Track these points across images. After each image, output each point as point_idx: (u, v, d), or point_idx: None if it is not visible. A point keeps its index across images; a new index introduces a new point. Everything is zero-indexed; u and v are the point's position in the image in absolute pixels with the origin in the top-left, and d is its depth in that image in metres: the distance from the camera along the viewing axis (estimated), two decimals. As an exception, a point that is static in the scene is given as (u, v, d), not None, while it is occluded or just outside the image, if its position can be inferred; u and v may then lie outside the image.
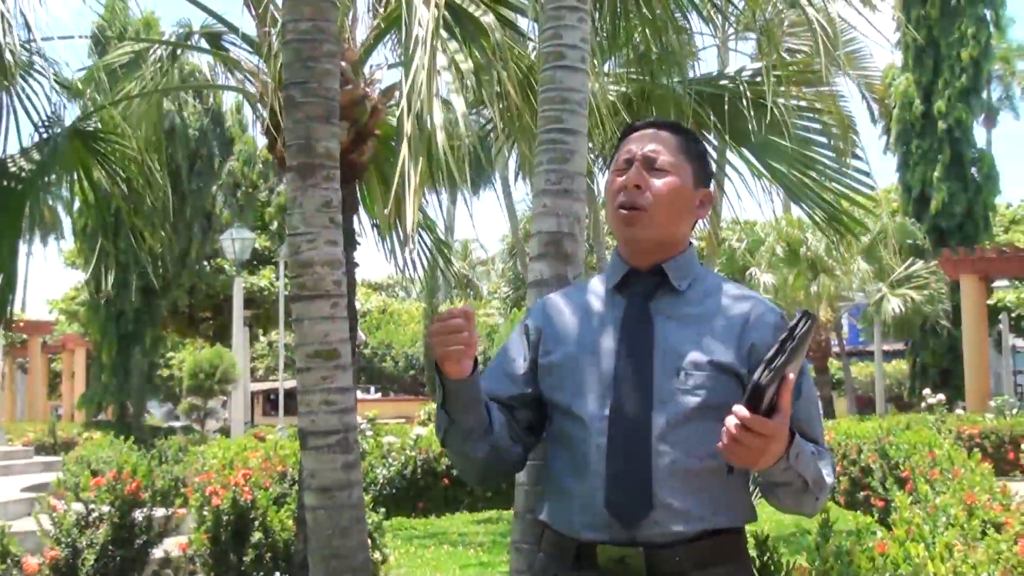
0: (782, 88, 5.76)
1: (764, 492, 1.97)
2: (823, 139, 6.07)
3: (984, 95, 26.65)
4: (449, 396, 1.98)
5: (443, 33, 4.90)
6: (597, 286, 2.16)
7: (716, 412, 1.90)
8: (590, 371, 2.00)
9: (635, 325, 2.02)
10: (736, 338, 1.99)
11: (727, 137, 5.96)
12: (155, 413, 33.70)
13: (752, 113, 5.70)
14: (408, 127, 3.72)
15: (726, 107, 5.75)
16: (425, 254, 7.35)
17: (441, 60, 4.69)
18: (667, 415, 1.92)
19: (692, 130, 2.20)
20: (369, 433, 12.57)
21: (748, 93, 5.81)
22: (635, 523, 1.89)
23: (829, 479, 1.95)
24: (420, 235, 7.16)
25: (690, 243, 2.14)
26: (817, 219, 6.14)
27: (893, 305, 22.94)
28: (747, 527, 2.05)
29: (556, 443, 2.06)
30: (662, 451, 1.91)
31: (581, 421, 1.98)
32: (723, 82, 6.26)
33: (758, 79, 6.00)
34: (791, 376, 1.69)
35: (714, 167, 6.40)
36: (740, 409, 1.69)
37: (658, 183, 2.04)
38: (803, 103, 6.00)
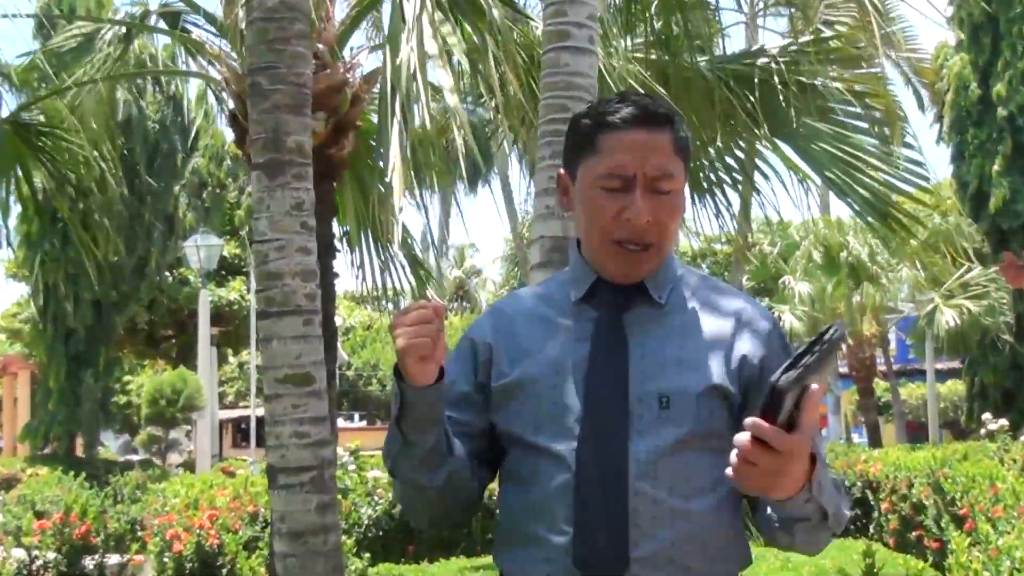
0: (821, 67, 5.74)
1: (769, 530, 1.89)
2: (867, 126, 6.04)
3: (1050, 77, 26.58)
4: (407, 409, 1.88)
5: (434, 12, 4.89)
6: (555, 293, 2.06)
7: (704, 442, 1.87)
8: (554, 396, 1.92)
9: (608, 342, 1.94)
10: (724, 351, 1.93)
11: (758, 125, 5.93)
12: (110, 445, 33.61)
13: (787, 96, 5.66)
14: (389, 112, 3.70)
15: (756, 91, 5.72)
16: (404, 269, 7.32)
17: (431, 45, 4.67)
18: (647, 448, 1.85)
19: (677, 112, 2.04)
20: (352, 467, 12.51)
21: (784, 71, 5.78)
22: None
23: (847, 509, 1.88)
24: (401, 247, 7.12)
25: None
26: (865, 215, 6.08)
27: (947, 317, 22.87)
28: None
29: (514, 481, 1.98)
30: (642, 491, 1.83)
31: (545, 456, 1.90)
32: (752, 60, 6.22)
33: (791, 55, 5.98)
34: (815, 387, 1.59)
35: (743, 159, 6.38)
36: (755, 420, 1.58)
37: (666, 213, 1.94)
38: (845, 86, 5.98)
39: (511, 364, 1.99)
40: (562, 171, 2.08)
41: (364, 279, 6.89)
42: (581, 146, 1.99)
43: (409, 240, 7.31)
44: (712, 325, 1.96)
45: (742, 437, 1.60)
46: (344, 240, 7.01)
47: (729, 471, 1.64)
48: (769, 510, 1.83)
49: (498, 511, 2.07)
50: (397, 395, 1.89)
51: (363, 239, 6.87)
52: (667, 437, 1.85)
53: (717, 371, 1.91)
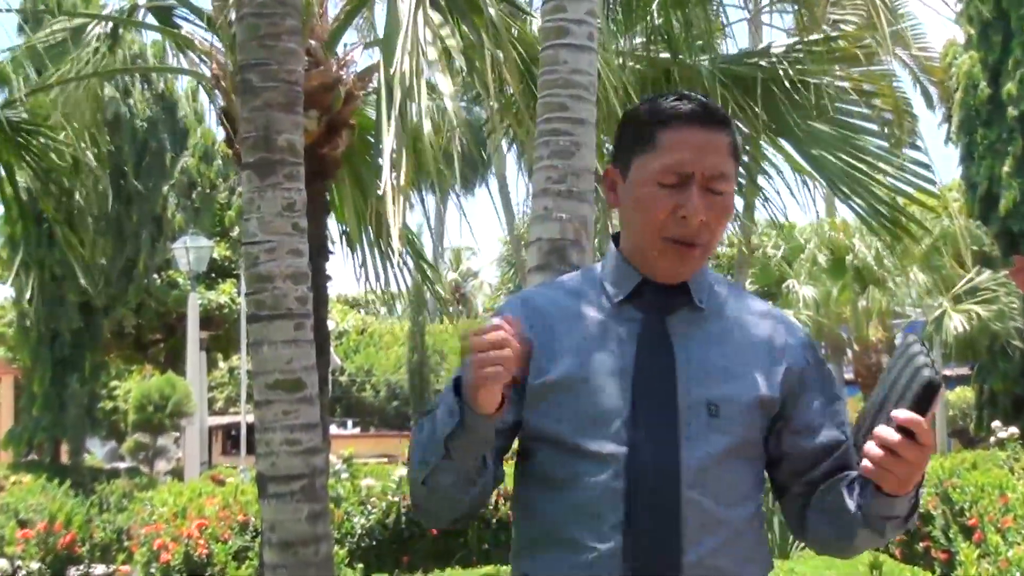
0: (826, 66, 5.74)
1: (840, 530, 1.96)
2: (874, 126, 6.04)
3: (1062, 77, 26.55)
4: (463, 432, 1.85)
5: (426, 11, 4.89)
6: (589, 290, 2.07)
7: (744, 451, 1.94)
8: (599, 398, 1.93)
9: (654, 345, 1.96)
10: (766, 362, 1.99)
11: (762, 126, 5.94)
12: (96, 452, 33.60)
13: (791, 97, 5.67)
14: (387, 115, 3.70)
15: (759, 91, 5.72)
16: (407, 269, 7.31)
17: (428, 48, 4.67)
18: (698, 455, 1.89)
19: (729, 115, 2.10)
20: (345, 475, 12.51)
21: (789, 72, 5.78)
22: None
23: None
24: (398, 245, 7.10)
25: None
26: (869, 220, 6.09)
27: (956, 322, 22.83)
28: None
29: (546, 483, 1.97)
30: (692, 499, 1.87)
31: (587, 458, 1.91)
32: (756, 60, 6.23)
33: (795, 55, 5.99)
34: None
35: (746, 160, 6.39)
36: (913, 415, 1.70)
37: (718, 214, 1.97)
38: (850, 84, 5.98)
39: (551, 361, 1.99)
40: (611, 167, 2.09)
41: (367, 278, 6.87)
42: (636, 141, 2.01)
43: (411, 236, 7.30)
44: (751, 334, 2.01)
45: (886, 432, 1.71)
46: (344, 238, 7.00)
47: (867, 463, 1.74)
48: (857, 509, 1.90)
49: (515, 514, 2.08)
50: (455, 414, 1.85)
51: (363, 237, 6.86)
52: (716, 445, 1.90)
53: (762, 382, 1.96)
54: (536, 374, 1.99)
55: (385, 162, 3.73)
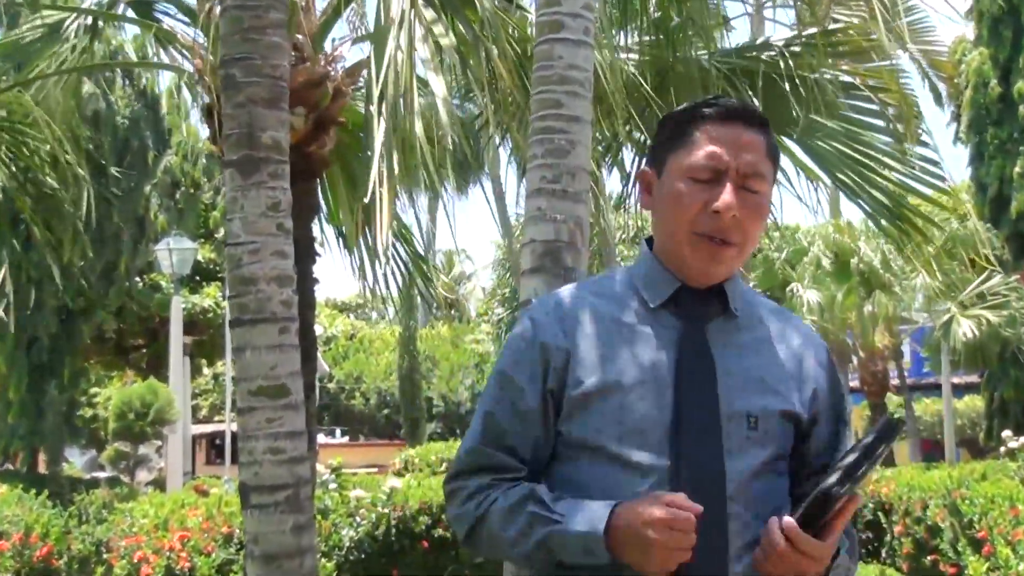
0: (830, 60, 5.73)
1: None
2: (880, 123, 6.03)
3: (1074, 74, 26.55)
4: (594, 562, 1.88)
5: (420, 2, 4.89)
6: (621, 294, 2.07)
7: (776, 466, 1.98)
8: (642, 406, 1.94)
9: (693, 354, 1.97)
10: (797, 380, 2.03)
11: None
12: (75, 462, 33.56)
13: (794, 92, 5.66)
14: (376, 113, 3.69)
15: (760, 86, 5.72)
16: (400, 269, 7.30)
17: (421, 49, 4.67)
18: (741, 468, 1.92)
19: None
20: (333, 486, 12.49)
21: (791, 65, 5.78)
22: None
23: (855, 565, 2.04)
24: (395, 247, 7.09)
25: None
26: (876, 216, 6.06)
27: (965, 328, 22.82)
28: None
29: (585, 495, 1.94)
30: (735, 513, 1.90)
31: (629, 468, 1.91)
32: (755, 54, 6.22)
33: (798, 48, 5.98)
34: (859, 495, 1.78)
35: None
36: (797, 530, 1.76)
37: (752, 213, 1.99)
38: (855, 79, 5.98)
39: (590, 370, 1.99)
40: (647, 168, 2.12)
41: (366, 281, 6.86)
42: (673, 139, 2.04)
43: (407, 233, 7.28)
44: (782, 348, 2.05)
45: (777, 537, 1.78)
46: (341, 240, 6.99)
47: (759, 552, 1.82)
48: None
49: None
50: (595, 556, 1.87)
51: (360, 238, 6.84)
52: (755, 458, 1.94)
53: (794, 397, 2.00)
54: (575, 384, 1.99)
55: (375, 162, 3.72)
